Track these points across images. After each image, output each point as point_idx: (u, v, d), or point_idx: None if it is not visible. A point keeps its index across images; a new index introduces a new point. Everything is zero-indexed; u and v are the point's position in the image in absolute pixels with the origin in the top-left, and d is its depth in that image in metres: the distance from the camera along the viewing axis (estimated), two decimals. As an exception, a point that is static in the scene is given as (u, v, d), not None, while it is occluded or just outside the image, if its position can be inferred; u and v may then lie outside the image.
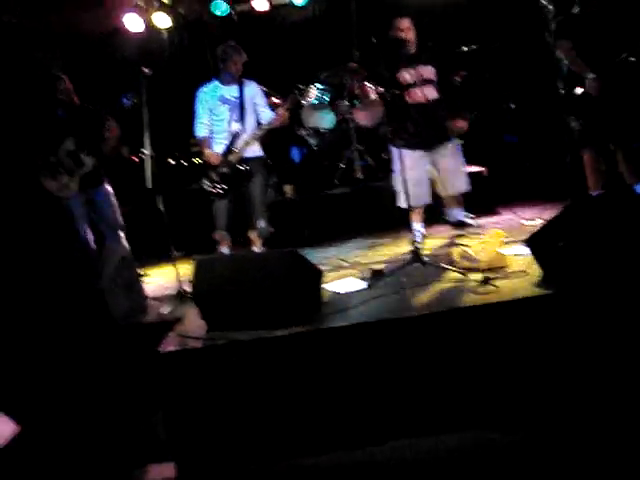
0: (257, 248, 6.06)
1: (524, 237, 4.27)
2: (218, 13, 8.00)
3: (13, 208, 6.41)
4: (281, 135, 8.02)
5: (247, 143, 5.86)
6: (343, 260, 5.61)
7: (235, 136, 5.83)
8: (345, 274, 5.02)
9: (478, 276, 4.16)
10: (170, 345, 3.92)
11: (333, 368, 3.65)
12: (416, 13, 8.47)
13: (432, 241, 5.78)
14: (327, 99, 7.64)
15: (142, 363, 4.15)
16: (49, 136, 5.78)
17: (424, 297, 4.06)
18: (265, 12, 8.19)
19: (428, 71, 5.56)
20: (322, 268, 4.30)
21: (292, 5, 8.09)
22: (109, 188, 6.04)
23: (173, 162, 7.87)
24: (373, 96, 6.81)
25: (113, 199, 6.04)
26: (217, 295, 4.01)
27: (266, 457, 3.62)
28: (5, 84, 6.57)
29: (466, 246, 4.71)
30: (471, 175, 6.95)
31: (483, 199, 6.80)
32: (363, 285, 4.58)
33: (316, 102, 7.61)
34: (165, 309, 4.81)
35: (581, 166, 5.62)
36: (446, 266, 4.54)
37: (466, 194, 6.16)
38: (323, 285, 4.23)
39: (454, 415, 3.58)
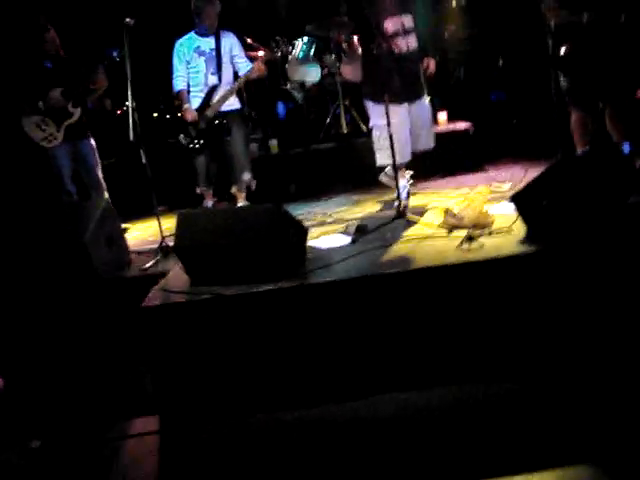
0: (241, 203, 6.03)
1: (510, 196, 4.27)
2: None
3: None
4: (267, 89, 7.96)
5: (224, 97, 5.79)
6: (328, 215, 5.59)
7: (212, 90, 5.77)
8: (329, 230, 5.01)
9: (463, 233, 4.16)
10: (154, 299, 3.90)
11: (317, 323, 3.66)
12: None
13: (418, 196, 5.78)
14: (313, 53, 7.53)
15: (126, 317, 4.13)
16: (35, 85, 5.76)
17: (408, 254, 4.04)
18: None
19: (409, 19, 5.49)
20: (306, 223, 4.30)
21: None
22: (93, 142, 6.04)
23: (156, 115, 7.78)
24: (360, 50, 6.72)
25: (96, 153, 6.05)
26: (200, 249, 3.99)
27: (248, 411, 3.64)
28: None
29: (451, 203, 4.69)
30: (457, 132, 6.97)
31: (469, 156, 6.80)
32: (347, 240, 4.56)
33: (302, 55, 7.50)
34: (148, 263, 4.78)
35: (568, 124, 5.59)
36: (431, 223, 4.53)
37: (452, 150, 6.14)
38: (307, 240, 4.21)
39: (438, 370, 3.61)
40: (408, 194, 5.48)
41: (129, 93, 4.93)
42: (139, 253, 5.20)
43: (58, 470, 3.44)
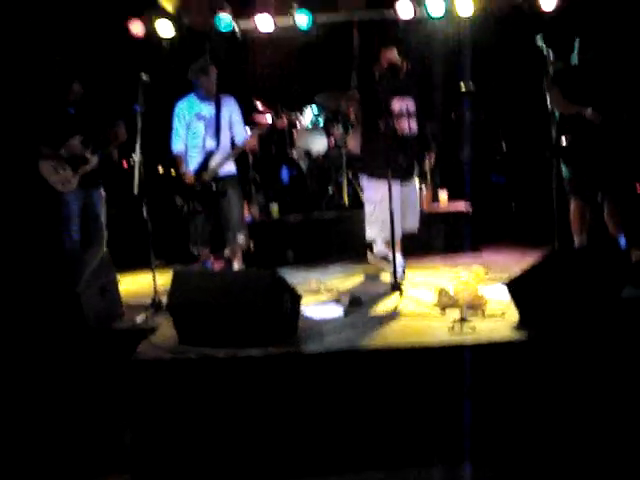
0: (237, 265, 6.05)
1: (505, 279, 4.30)
2: (222, 28, 8.02)
3: (10, 195, 6.56)
4: (272, 154, 8.06)
5: (221, 163, 5.87)
6: (322, 284, 5.59)
7: (209, 154, 5.85)
8: (323, 299, 5.02)
9: (456, 314, 4.17)
10: (141, 354, 3.88)
11: (303, 392, 3.63)
12: (418, 47, 8.69)
13: (414, 273, 5.80)
14: (321, 123, 7.66)
15: (112, 369, 4.10)
16: (56, 130, 5.89)
17: (399, 330, 4.05)
18: (269, 33, 8.21)
19: (412, 104, 5.69)
20: (301, 291, 4.29)
21: (296, 28, 8.10)
22: (103, 192, 6.16)
23: (162, 170, 7.85)
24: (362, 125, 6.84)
25: (104, 203, 6.16)
26: (192, 308, 3.99)
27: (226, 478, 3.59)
28: (24, 80, 6.73)
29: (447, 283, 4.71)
30: (456, 212, 7.04)
31: (466, 237, 6.85)
32: (340, 312, 4.57)
33: (310, 125, 7.63)
34: (140, 317, 4.76)
35: (567, 213, 5.66)
36: (424, 301, 4.55)
37: (450, 229, 6.21)
38: (300, 308, 4.21)
39: (422, 449, 3.57)
40: (403, 270, 5.52)
41: (137, 147, 4.99)
42: (131, 306, 5.17)
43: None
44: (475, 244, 6.86)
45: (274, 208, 7.40)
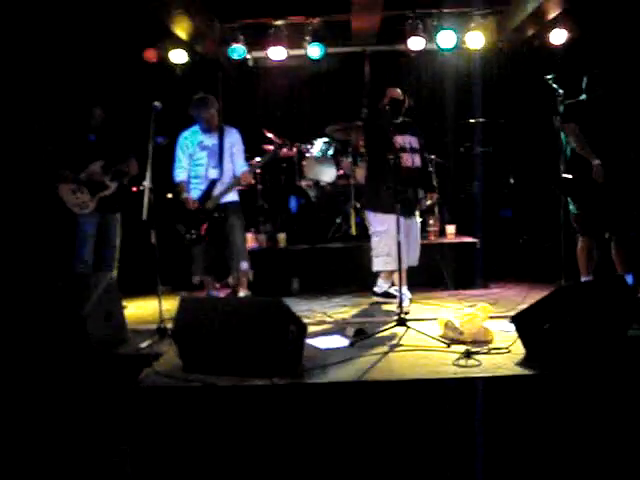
0: (242, 293, 6.05)
1: (512, 313, 4.29)
2: (235, 57, 8.11)
3: (27, 216, 6.71)
4: (281, 183, 8.09)
5: (223, 192, 5.91)
6: (328, 315, 5.59)
7: (212, 183, 5.89)
8: (328, 329, 5.01)
9: (461, 348, 4.16)
10: (145, 381, 3.87)
11: (308, 423, 3.61)
12: (429, 81, 8.77)
13: (420, 306, 5.81)
14: (330, 153, 7.70)
15: (115, 395, 4.09)
16: (77, 155, 6.05)
17: (404, 363, 4.03)
18: (281, 62, 8.30)
19: (415, 141, 5.88)
20: (306, 321, 4.28)
21: (308, 58, 8.19)
22: (119, 217, 6.30)
23: (170, 196, 7.88)
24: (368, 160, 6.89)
25: (119, 229, 6.31)
26: (198, 336, 3.98)
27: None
28: (47, 103, 6.89)
29: (453, 316, 4.69)
30: (464, 246, 7.05)
31: (473, 271, 6.85)
32: (345, 343, 4.56)
33: (319, 155, 7.67)
34: (144, 343, 4.76)
35: (574, 250, 5.66)
36: (430, 334, 4.54)
37: (458, 264, 6.22)
38: (305, 338, 4.20)
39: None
40: (410, 300, 5.55)
41: (147, 174, 5.02)
42: (136, 331, 5.17)
43: None
44: (482, 278, 6.85)
45: (281, 237, 7.42)
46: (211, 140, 5.98)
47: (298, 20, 8.12)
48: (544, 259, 6.87)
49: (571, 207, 5.60)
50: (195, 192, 5.98)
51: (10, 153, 6.68)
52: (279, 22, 8.08)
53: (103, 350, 4.64)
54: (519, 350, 4.06)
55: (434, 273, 6.76)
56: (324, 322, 5.34)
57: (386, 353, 4.26)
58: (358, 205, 7.46)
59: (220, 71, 8.79)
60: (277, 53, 8.13)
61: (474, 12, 8.00)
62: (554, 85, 5.54)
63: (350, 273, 6.93)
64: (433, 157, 7.69)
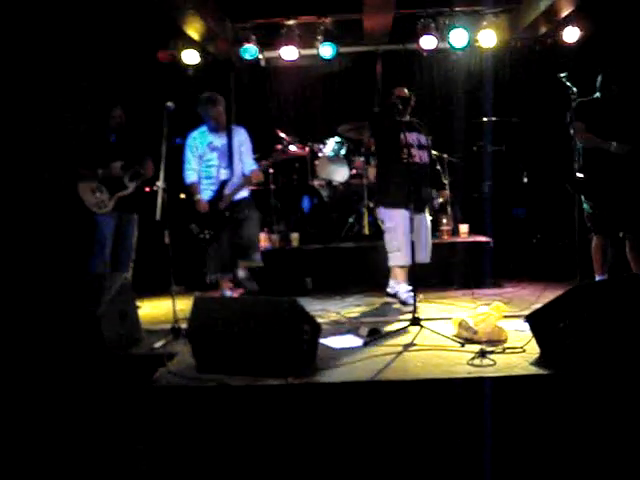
0: (248, 285, 6.08)
1: (526, 313, 4.27)
2: (247, 57, 8.11)
3: (46, 215, 6.73)
4: (294, 183, 8.10)
5: (235, 191, 5.93)
6: (342, 314, 5.59)
7: (223, 183, 5.89)
8: (342, 329, 5.00)
9: (475, 348, 4.15)
10: (159, 380, 3.88)
11: (321, 423, 3.60)
12: (442, 80, 8.75)
13: (433, 305, 5.80)
14: (343, 153, 7.70)
15: (129, 395, 4.10)
16: (98, 155, 6.14)
17: (418, 362, 4.03)
18: (293, 61, 8.29)
19: (423, 138, 5.97)
20: (320, 320, 4.28)
21: (320, 57, 8.18)
22: (136, 216, 6.38)
23: (184, 196, 7.91)
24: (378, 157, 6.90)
25: (136, 229, 6.40)
26: (212, 335, 3.99)
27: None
28: (67, 103, 7.01)
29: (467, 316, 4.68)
30: (477, 245, 7.03)
31: (487, 270, 6.83)
32: (359, 342, 4.55)
33: (332, 154, 7.66)
34: (159, 343, 4.77)
35: (588, 249, 5.63)
36: (444, 334, 4.53)
37: (471, 263, 6.19)
38: (319, 338, 4.20)
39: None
40: (412, 296, 5.57)
41: (161, 174, 5.03)
42: (150, 331, 5.18)
43: None
44: (496, 277, 6.84)
45: (294, 237, 7.42)
46: (220, 140, 5.98)
47: (310, 20, 8.11)
48: (558, 258, 6.84)
49: (585, 206, 5.57)
50: (206, 193, 5.99)
51: (31, 152, 6.73)
52: (291, 22, 8.07)
53: (117, 350, 4.66)
54: (534, 350, 4.04)
55: (447, 272, 6.74)
56: (338, 322, 5.34)
57: (400, 353, 4.25)
58: (371, 204, 7.45)
59: (232, 71, 8.81)
60: (289, 53, 8.12)
61: (486, 10, 7.96)
62: (568, 83, 5.51)
63: (363, 273, 6.92)
64: (445, 156, 7.70)
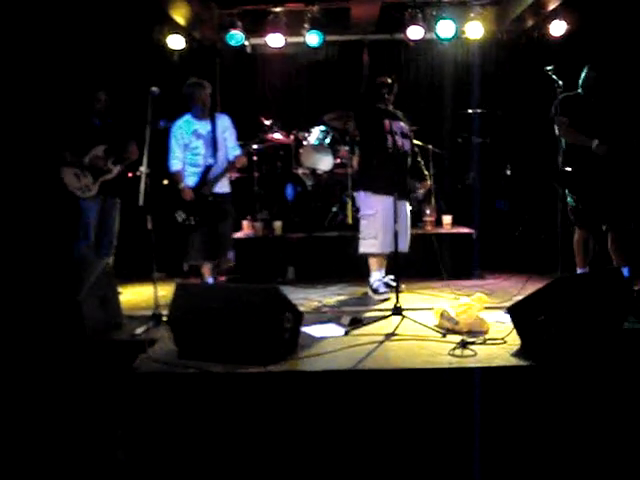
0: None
1: (507, 304, 4.29)
2: (233, 43, 8.05)
3: (28, 199, 6.77)
4: (278, 171, 8.07)
5: (218, 177, 5.90)
6: (323, 303, 5.59)
7: (207, 168, 5.86)
8: (323, 318, 5.00)
9: (457, 338, 4.16)
10: (140, 367, 3.86)
11: (302, 411, 3.61)
12: (428, 71, 8.75)
13: (415, 295, 5.81)
14: (328, 142, 7.67)
15: (110, 381, 4.08)
16: (81, 139, 6.16)
17: (400, 352, 4.04)
18: (279, 49, 8.24)
19: (406, 128, 5.98)
20: (302, 309, 4.28)
21: (306, 45, 8.14)
22: (119, 201, 6.40)
23: (167, 182, 7.85)
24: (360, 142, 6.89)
25: (119, 213, 6.41)
26: (193, 322, 3.98)
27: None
28: (50, 87, 6.98)
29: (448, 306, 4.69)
30: (460, 236, 7.05)
31: (469, 262, 6.86)
32: (340, 331, 4.56)
33: (317, 143, 7.64)
34: (140, 329, 4.75)
35: (571, 241, 5.66)
36: (425, 324, 4.54)
37: (454, 255, 6.22)
38: (301, 326, 4.20)
39: (419, 471, 3.55)
40: (385, 284, 5.73)
41: (144, 159, 5.00)
42: (131, 317, 5.16)
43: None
44: (478, 269, 6.86)
45: (277, 225, 7.40)
46: (205, 128, 5.94)
47: (297, 7, 8.05)
48: (540, 251, 6.87)
49: (569, 199, 5.60)
50: (191, 179, 5.95)
51: (14, 136, 6.70)
52: (278, 9, 8.00)
53: (98, 335, 4.64)
54: (514, 341, 4.07)
55: (430, 263, 6.75)
56: (320, 310, 5.34)
57: (381, 342, 4.26)
58: (355, 194, 7.43)
59: (218, 57, 8.76)
60: (275, 40, 8.06)
61: (473, 2, 7.95)
62: (554, 77, 5.52)
63: (346, 262, 6.90)
64: (430, 147, 7.70)
